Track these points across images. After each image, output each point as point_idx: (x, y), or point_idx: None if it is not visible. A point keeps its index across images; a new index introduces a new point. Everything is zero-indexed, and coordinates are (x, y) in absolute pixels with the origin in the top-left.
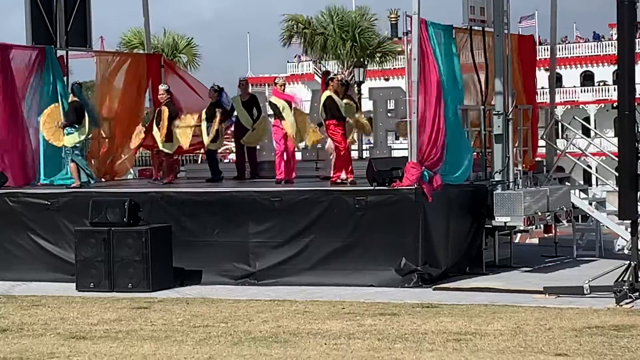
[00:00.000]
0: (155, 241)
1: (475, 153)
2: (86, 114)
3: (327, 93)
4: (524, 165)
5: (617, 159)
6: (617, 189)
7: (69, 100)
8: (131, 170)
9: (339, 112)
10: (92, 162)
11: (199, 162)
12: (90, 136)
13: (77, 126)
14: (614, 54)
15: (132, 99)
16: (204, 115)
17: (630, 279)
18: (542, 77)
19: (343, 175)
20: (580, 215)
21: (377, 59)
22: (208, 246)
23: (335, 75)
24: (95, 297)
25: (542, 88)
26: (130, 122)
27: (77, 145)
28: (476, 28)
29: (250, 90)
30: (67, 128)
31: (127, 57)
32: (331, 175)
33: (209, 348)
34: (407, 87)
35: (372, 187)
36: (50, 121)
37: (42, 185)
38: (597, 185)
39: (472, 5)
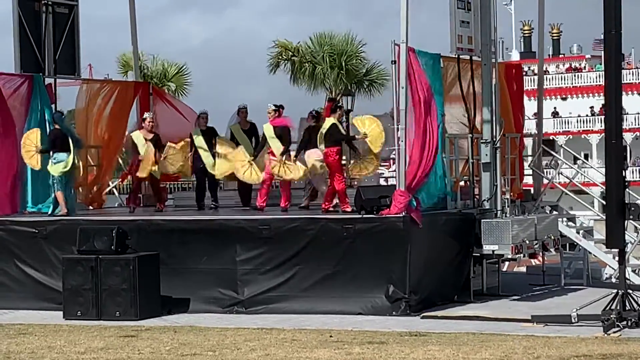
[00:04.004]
0: (143, 269)
1: (463, 181)
2: (70, 143)
3: (331, 120)
4: (511, 194)
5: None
6: (604, 217)
7: (54, 128)
8: (118, 198)
9: (341, 139)
10: (80, 190)
11: (187, 189)
12: (78, 164)
13: (64, 154)
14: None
15: (120, 126)
16: (202, 144)
17: (618, 308)
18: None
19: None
20: (568, 244)
21: (365, 86)
22: (196, 274)
23: (341, 106)
24: (83, 325)
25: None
26: (118, 150)
27: (63, 175)
28: (464, 57)
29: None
30: (54, 156)
31: (115, 85)
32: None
33: None
34: (395, 115)
35: (360, 215)
36: (30, 144)
37: (30, 213)
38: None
39: (460, 34)
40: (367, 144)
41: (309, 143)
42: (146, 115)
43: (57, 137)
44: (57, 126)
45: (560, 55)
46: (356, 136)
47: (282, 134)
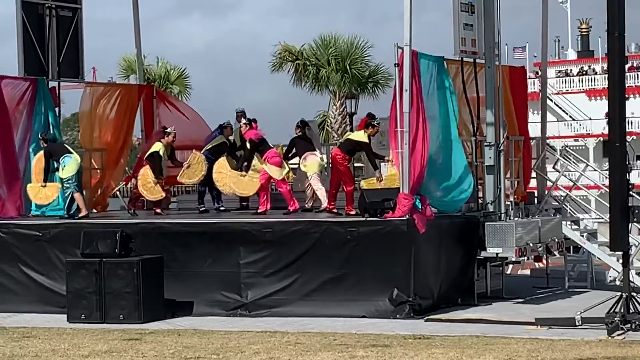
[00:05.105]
0: (146, 272)
1: None
2: (69, 148)
3: (364, 136)
4: (515, 197)
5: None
6: (608, 220)
7: (46, 146)
8: (121, 201)
9: (354, 152)
10: (84, 192)
11: (191, 192)
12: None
13: (69, 156)
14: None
15: (124, 129)
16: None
17: (622, 311)
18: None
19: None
20: (571, 247)
21: (369, 89)
22: (200, 277)
23: (378, 123)
24: (87, 328)
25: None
26: (122, 153)
27: (76, 176)
28: (467, 59)
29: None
30: (62, 161)
31: (119, 88)
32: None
33: None
34: (398, 118)
35: (364, 218)
36: (36, 178)
37: (33, 217)
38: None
39: (464, 36)
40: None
41: (297, 152)
42: (169, 129)
43: (53, 149)
44: (44, 144)
45: None
46: (376, 175)
47: (250, 145)
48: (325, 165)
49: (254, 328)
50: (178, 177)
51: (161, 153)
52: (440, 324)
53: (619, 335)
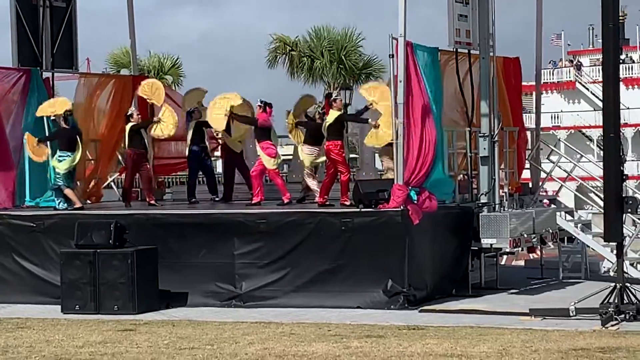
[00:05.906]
0: (141, 263)
1: (461, 175)
2: (79, 142)
3: (335, 113)
4: (510, 187)
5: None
6: (602, 211)
7: (62, 127)
8: (117, 192)
9: (342, 133)
10: (78, 183)
11: (185, 184)
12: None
13: (70, 153)
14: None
15: (119, 120)
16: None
17: (616, 301)
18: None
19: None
20: (566, 237)
21: (363, 80)
22: (194, 268)
23: (337, 96)
24: (81, 319)
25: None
26: (116, 144)
27: (70, 171)
28: (462, 50)
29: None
30: (60, 154)
31: (113, 79)
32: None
33: None
34: (392, 109)
35: (358, 209)
36: (32, 141)
37: (28, 207)
38: None
39: (458, 27)
40: (379, 113)
41: (305, 135)
42: (131, 111)
43: (64, 135)
44: (65, 125)
45: None
46: (370, 122)
47: (255, 123)
48: (319, 162)
49: (249, 319)
50: (151, 132)
51: (134, 129)
52: (435, 314)
53: (612, 325)
